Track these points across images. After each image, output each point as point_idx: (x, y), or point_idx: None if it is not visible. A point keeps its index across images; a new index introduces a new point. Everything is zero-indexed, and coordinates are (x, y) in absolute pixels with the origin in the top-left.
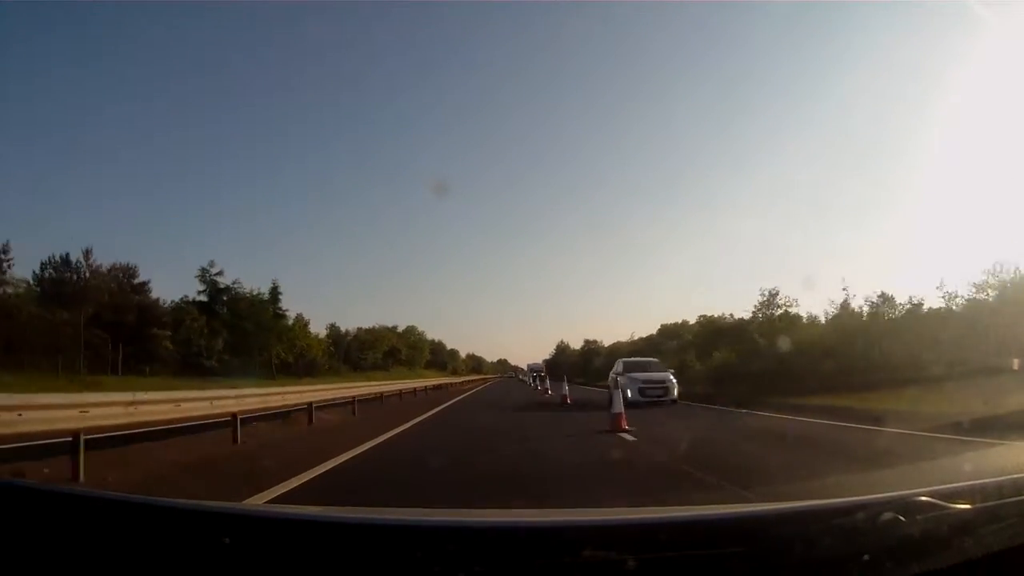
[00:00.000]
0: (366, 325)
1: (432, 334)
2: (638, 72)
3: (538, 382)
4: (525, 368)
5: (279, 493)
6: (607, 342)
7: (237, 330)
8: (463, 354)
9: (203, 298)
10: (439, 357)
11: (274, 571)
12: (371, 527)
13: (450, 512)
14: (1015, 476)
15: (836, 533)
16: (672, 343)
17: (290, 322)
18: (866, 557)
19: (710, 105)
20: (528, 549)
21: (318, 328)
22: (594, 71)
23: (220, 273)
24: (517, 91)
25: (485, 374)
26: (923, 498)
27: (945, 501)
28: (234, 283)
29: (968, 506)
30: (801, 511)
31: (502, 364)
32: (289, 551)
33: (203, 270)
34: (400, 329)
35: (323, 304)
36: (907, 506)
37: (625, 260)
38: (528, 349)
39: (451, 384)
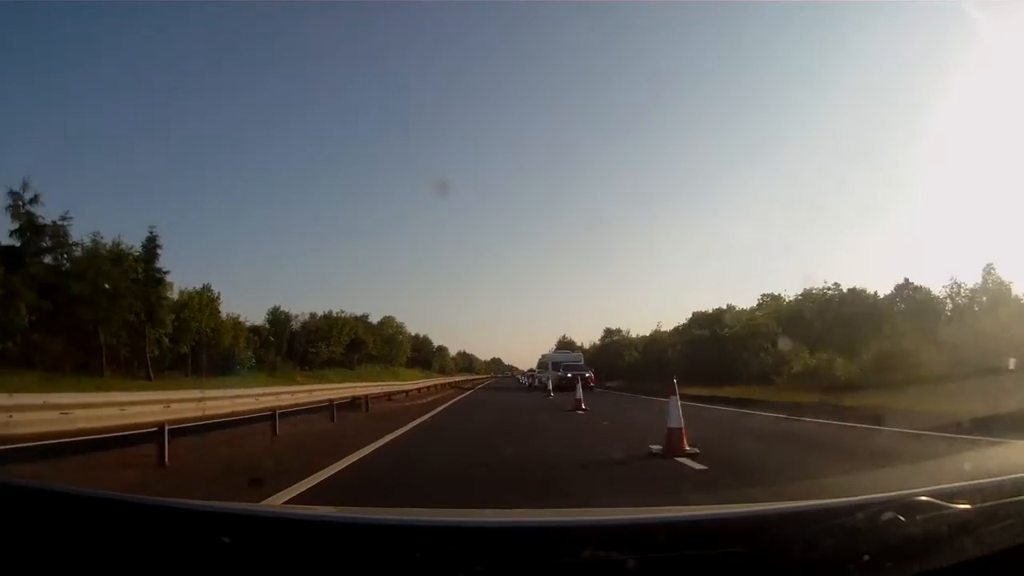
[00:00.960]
0: (321, 311)
1: (421, 331)
2: (637, 70)
3: (577, 391)
4: (539, 365)
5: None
6: (629, 333)
7: (61, 295)
8: (453, 352)
9: (14, 242)
10: (423, 354)
11: (273, 571)
12: (370, 527)
13: (450, 512)
14: (1015, 476)
15: (836, 533)
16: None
17: (178, 293)
18: (866, 557)
19: (708, 102)
20: (528, 549)
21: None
22: (592, 68)
23: (36, 200)
24: (509, 82)
25: (478, 374)
26: (923, 498)
27: (945, 501)
28: (63, 219)
29: (968, 506)
30: (801, 511)
31: (496, 363)
32: (288, 551)
33: (13, 196)
34: (375, 321)
35: (298, 297)
36: (907, 506)
37: (625, 256)
38: (524, 348)
39: (396, 394)
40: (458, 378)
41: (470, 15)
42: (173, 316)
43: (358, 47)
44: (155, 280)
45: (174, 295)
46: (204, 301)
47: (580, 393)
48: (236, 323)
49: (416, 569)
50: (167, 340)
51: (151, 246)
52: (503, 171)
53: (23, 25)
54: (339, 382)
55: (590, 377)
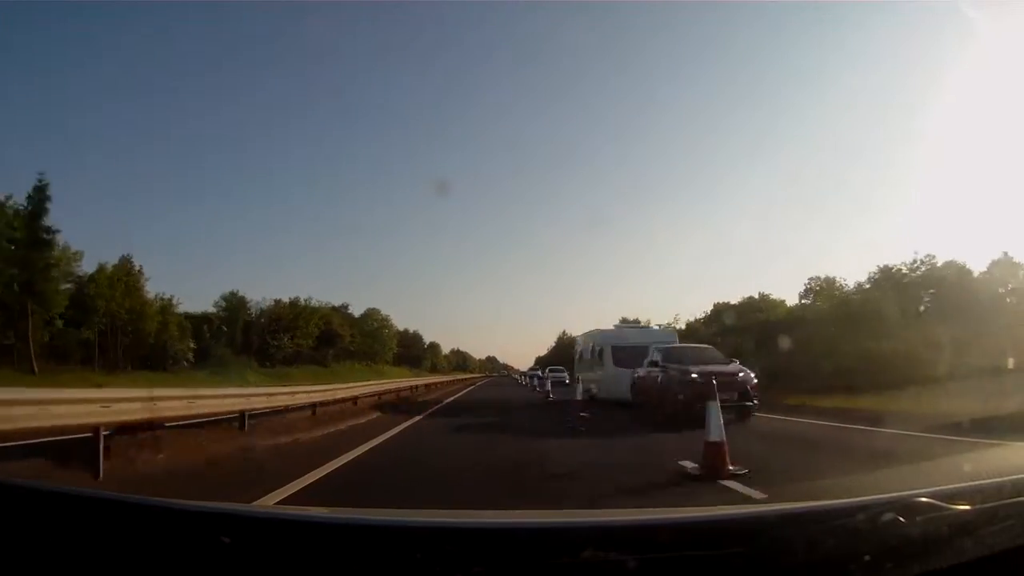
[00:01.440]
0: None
1: (415, 328)
2: (635, 69)
3: (711, 425)
4: (579, 354)
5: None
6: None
7: None
8: (446, 349)
9: None
10: (412, 351)
11: (273, 572)
12: (370, 528)
13: (450, 513)
14: (1015, 477)
15: (836, 534)
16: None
17: (80, 263)
18: (867, 558)
19: (706, 100)
20: (528, 549)
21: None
22: (590, 67)
23: None
24: (507, 80)
25: (472, 372)
26: (923, 499)
27: (945, 502)
28: None
29: (968, 507)
30: (801, 512)
31: (491, 362)
32: (288, 552)
33: None
34: (356, 312)
35: (286, 292)
36: (907, 507)
37: (624, 255)
38: (520, 348)
39: (296, 409)
40: (445, 378)
41: (470, 15)
42: (71, 289)
43: (357, 46)
44: (41, 242)
45: (83, 267)
46: (116, 276)
47: (717, 429)
48: (165, 306)
49: (416, 569)
50: (60, 322)
51: (38, 198)
52: (501, 168)
53: (22, 25)
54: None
55: (747, 379)
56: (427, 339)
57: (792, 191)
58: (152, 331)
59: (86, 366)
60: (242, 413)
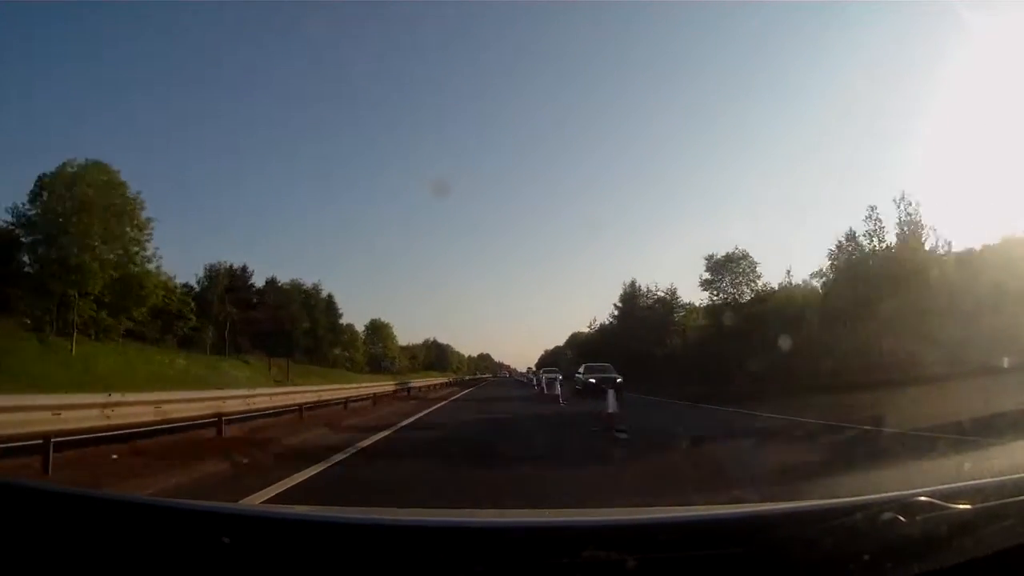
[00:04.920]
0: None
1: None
2: (633, 69)
3: None
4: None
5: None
6: None
7: None
8: (412, 341)
9: None
10: (297, 334)
11: (275, 571)
12: (372, 527)
13: (450, 512)
14: (1015, 476)
15: (836, 533)
16: None
17: None
18: (866, 557)
19: (701, 101)
20: (528, 549)
21: None
22: (588, 66)
23: None
24: (500, 73)
25: (456, 373)
26: (923, 498)
27: (945, 501)
28: None
29: (968, 506)
30: (801, 511)
31: (484, 361)
32: (290, 551)
33: None
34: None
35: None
36: (907, 506)
37: (624, 250)
38: (519, 347)
39: None
40: (370, 387)
41: (471, 14)
42: None
43: (357, 44)
44: None
45: None
46: None
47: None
48: None
49: (418, 568)
50: None
51: None
52: (500, 161)
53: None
54: None
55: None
56: (334, 305)
57: (789, 192)
58: None
59: None
60: None
